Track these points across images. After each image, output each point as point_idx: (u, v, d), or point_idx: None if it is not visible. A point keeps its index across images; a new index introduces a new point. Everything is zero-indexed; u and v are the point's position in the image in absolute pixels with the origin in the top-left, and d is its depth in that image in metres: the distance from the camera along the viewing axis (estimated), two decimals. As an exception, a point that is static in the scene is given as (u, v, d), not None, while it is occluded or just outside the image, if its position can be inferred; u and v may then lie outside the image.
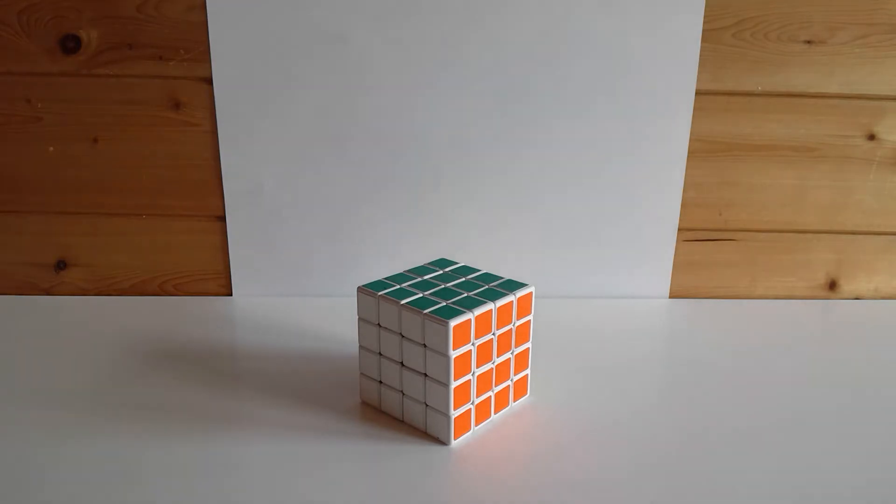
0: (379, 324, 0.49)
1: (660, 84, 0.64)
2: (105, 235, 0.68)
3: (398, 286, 0.50)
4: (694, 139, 0.66)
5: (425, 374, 0.47)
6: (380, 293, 0.48)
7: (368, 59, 0.62)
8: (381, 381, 0.50)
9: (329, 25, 0.61)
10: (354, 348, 0.58)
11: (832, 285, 0.71)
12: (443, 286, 0.50)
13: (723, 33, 0.63)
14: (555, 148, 0.65)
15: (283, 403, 0.52)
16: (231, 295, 0.69)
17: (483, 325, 0.47)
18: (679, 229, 0.68)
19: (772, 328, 0.65)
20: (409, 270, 0.53)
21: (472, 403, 0.48)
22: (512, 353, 0.50)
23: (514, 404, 0.52)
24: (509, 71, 0.63)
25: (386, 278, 0.51)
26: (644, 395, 0.54)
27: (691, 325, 0.66)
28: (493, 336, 0.48)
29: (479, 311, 0.47)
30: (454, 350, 0.46)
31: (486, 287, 0.50)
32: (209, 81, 0.63)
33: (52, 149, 0.65)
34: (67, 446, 0.47)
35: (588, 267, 0.69)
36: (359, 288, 0.49)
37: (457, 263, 0.54)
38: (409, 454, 0.47)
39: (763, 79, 0.64)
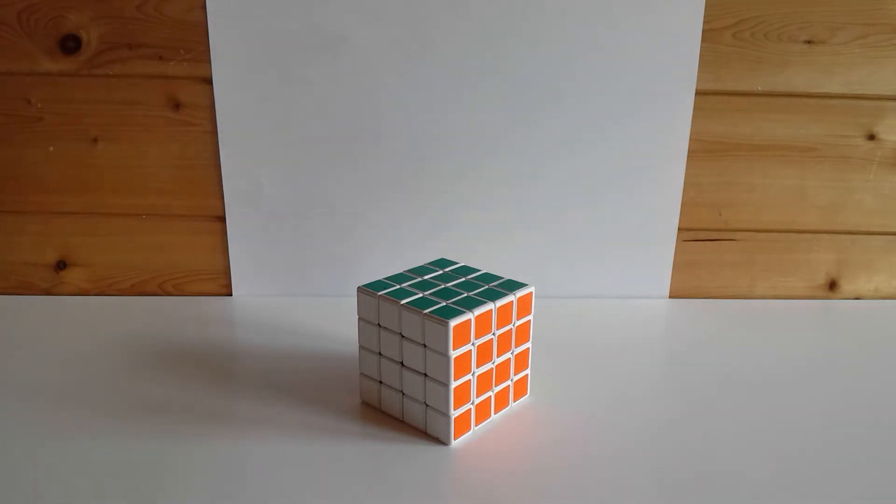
0: (379, 324, 0.49)
1: (660, 84, 0.64)
2: (105, 235, 0.68)
3: (398, 286, 0.50)
4: (694, 139, 0.66)
5: (425, 374, 0.47)
6: (380, 293, 0.48)
7: (368, 59, 0.62)
8: (381, 381, 0.50)
9: (329, 25, 0.61)
10: (354, 348, 0.58)
11: (832, 285, 0.71)
12: (443, 286, 0.50)
13: (723, 33, 0.63)
14: (554, 148, 0.65)
15: (283, 403, 0.52)
16: (231, 295, 0.69)
17: (483, 325, 0.47)
18: (679, 229, 0.68)
19: (772, 328, 0.65)
20: (409, 270, 0.53)
21: (472, 403, 0.48)
22: (512, 353, 0.50)
23: (514, 404, 0.52)
24: (509, 71, 0.63)
25: (386, 278, 0.51)
26: (644, 395, 0.54)
27: (691, 325, 0.66)
28: (493, 336, 0.48)
29: (479, 311, 0.47)
30: (454, 350, 0.46)
31: (486, 287, 0.50)
32: (209, 81, 0.63)
33: (52, 149, 0.65)
34: (67, 446, 0.47)
35: (588, 267, 0.69)
36: (359, 288, 0.49)
37: (457, 263, 0.54)
38: (409, 454, 0.47)
39: (763, 79, 0.64)
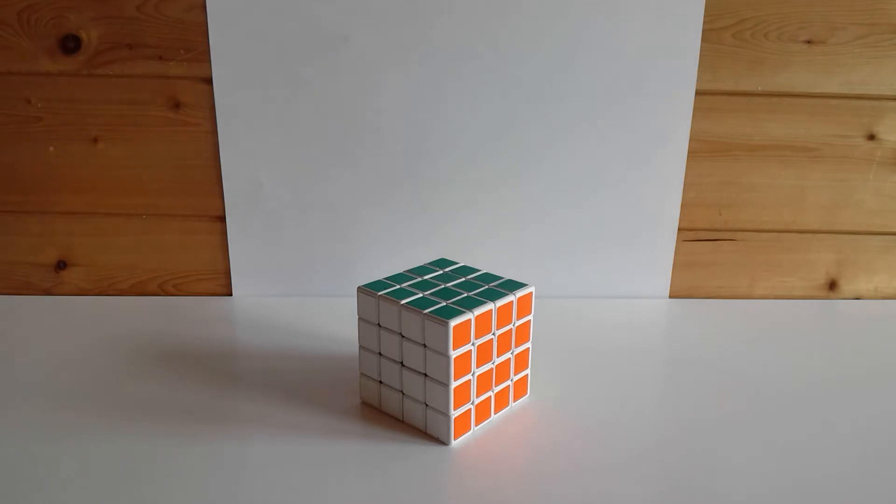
0: (379, 324, 0.49)
1: (660, 84, 0.64)
2: (105, 235, 0.68)
3: (398, 286, 0.50)
4: (694, 139, 0.66)
5: (425, 374, 0.47)
6: (380, 293, 0.48)
7: (369, 58, 0.62)
8: (381, 381, 0.50)
9: (330, 25, 0.61)
10: (354, 348, 0.58)
11: (832, 285, 0.71)
12: (443, 286, 0.50)
13: (723, 33, 0.63)
14: (555, 148, 0.65)
15: (283, 403, 0.52)
16: (231, 295, 0.69)
17: (483, 325, 0.47)
18: (679, 229, 0.68)
19: (772, 328, 0.65)
20: (409, 270, 0.53)
21: (472, 403, 0.48)
22: (512, 353, 0.50)
23: (513, 404, 0.52)
24: (509, 71, 0.63)
25: (386, 278, 0.51)
26: (644, 395, 0.54)
27: (691, 325, 0.66)
28: (493, 336, 0.48)
29: (479, 311, 0.47)
30: (454, 350, 0.46)
31: (486, 287, 0.50)
32: (209, 81, 0.63)
33: (52, 149, 0.65)
34: (67, 446, 0.47)
35: (588, 267, 0.69)
36: (359, 288, 0.49)
37: (457, 263, 0.54)
38: (409, 454, 0.47)
39: (763, 79, 0.64)
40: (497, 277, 0.51)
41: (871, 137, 0.66)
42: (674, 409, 0.52)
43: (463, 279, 0.51)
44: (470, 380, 0.47)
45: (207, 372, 0.56)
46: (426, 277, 0.51)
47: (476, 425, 0.49)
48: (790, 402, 0.53)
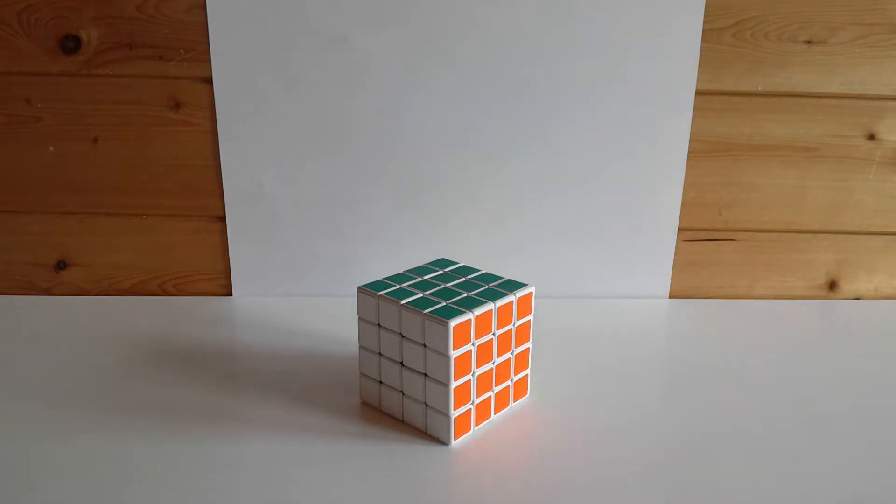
0: (379, 324, 0.49)
1: (660, 84, 0.64)
2: (105, 235, 0.68)
3: (398, 286, 0.50)
4: (694, 139, 0.66)
5: (425, 374, 0.47)
6: (380, 293, 0.48)
7: (368, 58, 0.62)
8: (381, 381, 0.50)
9: (329, 25, 0.61)
10: (354, 348, 0.58)
11: (832, 285, 0.71)
12: (443, 286, 0.50)
13: (723, 33, 0.63)
14: (555, 148, 0.65)
15: (283, 403, 0.52)
16: (231, 295, 0.69)
17: (483, 325, 0.47)
18: (679, 229, 0.68)
19: (772, 328, 0.65)
20: (409, 270, 0.53)
21: (472, 403, 0.48)
22: (512, 353, 0.50)
23: (514, 404, 0.52)
24: (509, 71, 0.63)
25: (386, 278, 0.51)
26: (644, 395, 0.54)
27: (691, 325, 0.66)
28: (493, 336, 0.48)
29: (479, 311, 0.47)
30: (454, 350, 0.46)
31: (486, 287, 0.50)
32: (209, 81, 0.63)
33: (52, 149, 0.65)
34: (67, 446, 0.47)
35: (588, 267, 0.69)
36: (359, 288, 0.49)
37: (457, 263, 0.54)
38: (409, 454, 0.47)
39: (763, 79, 0.64)
40: (497, 277, 0.51)
41: (871, 137, 0.66)
42: (674, 409, 0.52)
43: (463, 279, 0.51)
44: (470, 380, 0.47)
45: (207, 372, 0.56)
46: (426, 277, 0.51)
47: (476, 425, 0.49)
48: (790, 402, 0.53)
